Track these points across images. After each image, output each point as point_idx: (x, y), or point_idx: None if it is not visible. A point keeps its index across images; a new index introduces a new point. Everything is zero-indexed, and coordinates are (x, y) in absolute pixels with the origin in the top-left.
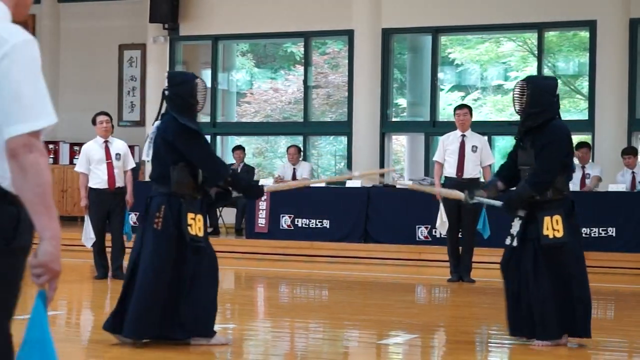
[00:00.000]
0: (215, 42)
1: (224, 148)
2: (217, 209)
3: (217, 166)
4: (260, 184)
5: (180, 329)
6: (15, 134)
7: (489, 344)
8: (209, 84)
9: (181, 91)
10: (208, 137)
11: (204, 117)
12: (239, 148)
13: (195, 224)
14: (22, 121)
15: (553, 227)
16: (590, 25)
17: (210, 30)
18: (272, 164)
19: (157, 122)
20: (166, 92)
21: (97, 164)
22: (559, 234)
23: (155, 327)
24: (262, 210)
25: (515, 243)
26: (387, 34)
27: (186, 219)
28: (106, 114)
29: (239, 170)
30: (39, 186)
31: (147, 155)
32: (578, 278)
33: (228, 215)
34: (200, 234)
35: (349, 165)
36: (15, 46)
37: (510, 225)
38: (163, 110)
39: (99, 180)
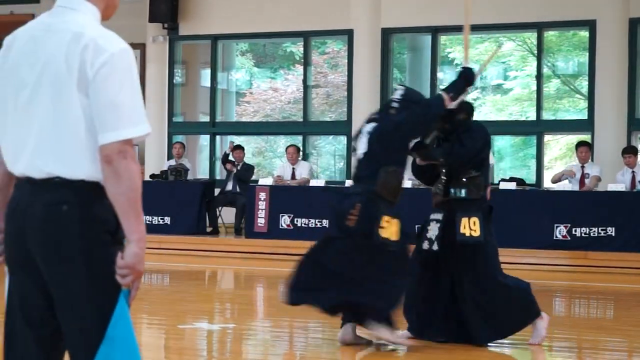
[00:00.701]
0: (215, 42)
1: (223, 148)
2: (217, 209)
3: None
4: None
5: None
6: (110, 140)
7: (500, 344)
8: (208, 84)
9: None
10: (207, 137)
11: (202, 117)
12: (239, 148)
13: (390, 227)
14: (118, 129)
15: (470, 227)
16: (590, 25)
17: (209, 30)
18: (271, 163)
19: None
20: (394, 105)
21: None
22: (476, 234)
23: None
24: (262, 210)
25: (435, 247)
26: (387, 34)
27: (380, 220)
28: None
29: (238, 169)
30: (132, 191)
31: (363, 149)
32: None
33: (227, 215)
34: (394, 238)
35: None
36: (114, 55)
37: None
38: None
39: None
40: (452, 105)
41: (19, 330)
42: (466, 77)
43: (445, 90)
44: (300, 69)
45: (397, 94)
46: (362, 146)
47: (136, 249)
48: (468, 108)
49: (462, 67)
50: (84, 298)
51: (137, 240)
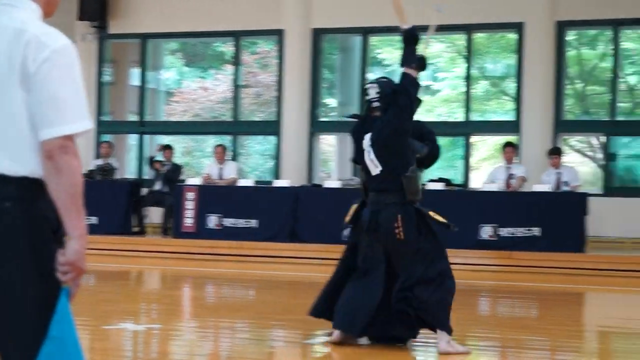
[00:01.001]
0: (145, 41)
1: (152, 147)
2: (144, 208)
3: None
4: None
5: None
6: (51, 136)
7: (413, 343)
8: (137, 83)
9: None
10: (135, 136)
11: (131, 116)
12: (167, 147)
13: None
14: (59, 124)
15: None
16: (518, 28)
17: (139, 29)
18: (200, 163)
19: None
20: (375, 104)
21: None
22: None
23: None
24: (190, 209)
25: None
26: (317, 34)
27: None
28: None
29: (165, 169)
30: (72, 186)
31: (377, 168)
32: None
33: (155, 215)
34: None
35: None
36: (55, 51)
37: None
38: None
39: None
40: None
41: None
42: (410, 38)
43: (406, 64)
44: (230, 68)
45: (373, 92)
46: (374, 164)
47: (77, 245)
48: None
49: (402, 31)
50: (25, 296)
51: (78, 236)
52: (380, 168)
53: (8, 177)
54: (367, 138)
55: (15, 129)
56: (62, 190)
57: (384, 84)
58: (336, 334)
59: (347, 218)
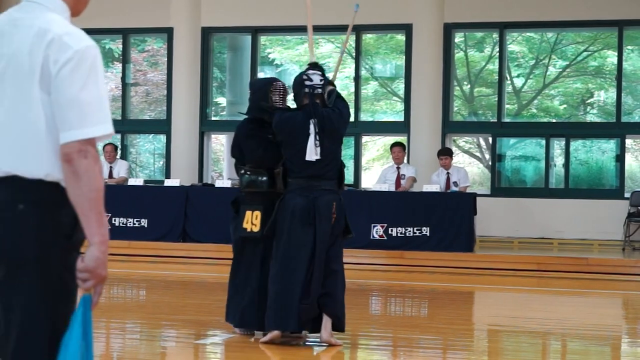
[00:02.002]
0: None
1: None
2: None
3: None
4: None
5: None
6: (71, 139)
7: (307, 343)
8: None
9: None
10: None
11: None
12: None
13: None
14: (79, 127)
15: (252, 221)
16: (406, 29)
17: None
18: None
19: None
20: (319, 91)
21: None
22: (256, 228)
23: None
24: None
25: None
26: (207, 33)
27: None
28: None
29: None
30: (92, 191)
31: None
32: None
33: None
34: None
35: (168, 168)
36: (78, 52)
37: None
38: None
39: None
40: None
41: None
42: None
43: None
44: (119, 66)
45: (317, 79)
46: (315, 149)
47: (97, 252)
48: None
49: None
50: (35, 302)
51: (98, 243)
52: (319, 156)
53: (23, 179)
54: (312, 123)
55: (32, 131)
56: (81, 195)
57: (322, 70)
58: (271, 334)
59: (256, 227)
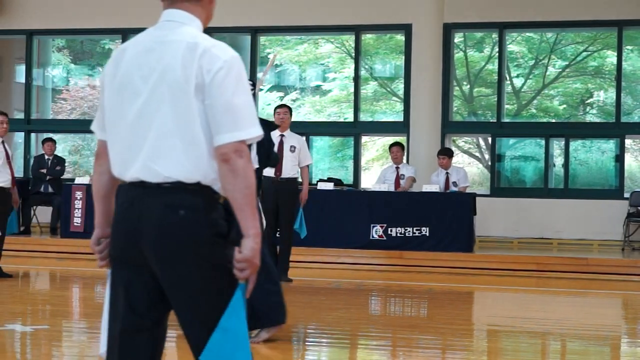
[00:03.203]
0: (30, 37)
1: (38, 145)
2: (32, 208)
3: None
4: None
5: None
6: (228, 141)
7: (306, 343)
8: (23, 80)
9: None
10: (22, 134)
11: (17, 114)
12: (49, 140)
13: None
14: (234, 130)
15: None
16: (406, 29)
17: (24, 25)
18: (88, 162)
19: None
20: None
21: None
22: None
23: None
24: (78, 209)
25: None
26: (207, 33)
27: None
28: (4, 114)
29: (49, 164)
30: (247, 188)
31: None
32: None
33: (43, 215)
34: None
35: None
36: (227, 62)
37: None
38: None
39: None
40: None
41: (124, 319)
42: None
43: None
44: None
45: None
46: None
47: (253, 243)
48: None
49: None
50: (197, 296)
51: (253, 235)
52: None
53: (182, 184)
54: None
55: (191, 137)
56: (238, 191)
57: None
58: (268, 331)
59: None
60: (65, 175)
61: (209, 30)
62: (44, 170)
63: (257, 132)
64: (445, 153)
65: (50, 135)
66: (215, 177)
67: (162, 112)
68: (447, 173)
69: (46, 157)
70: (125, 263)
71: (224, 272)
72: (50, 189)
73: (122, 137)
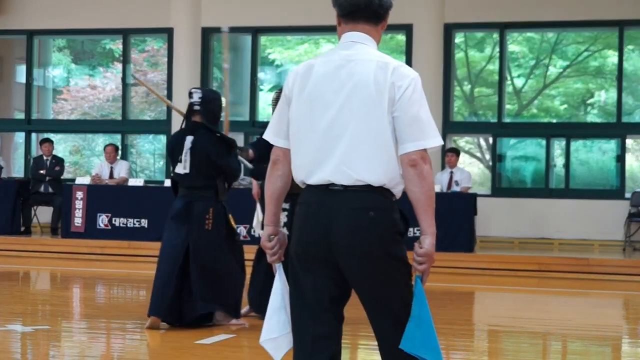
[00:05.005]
0: (31, 37)
1: (38, 145)
2: (32, 208)
3: (238, 170)
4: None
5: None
6: (416, 148)
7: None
8: (23, 80)
9: (214, 107)
10: (22, 135)
11: (18, 114)
12: (47, 141)
13: (233, 222)
14: (421, 139)
15: None
16: (406, 29)
17: (25, 25)
18: (89, 162)
19: (190, 137)
20: (197, 107)
21: None
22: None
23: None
24: (79, 209)
25: (286, 232)
26: (207, 33)
27: (230, 218)
28: None
29: (48, 164)
30: (430, 190)
31: (183, 167)
32: None
33: (43, 215)
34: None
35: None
36: (413, 79)
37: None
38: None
39: None
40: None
41: (310, 312)
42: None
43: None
44: (119, 66)
45: (197, 97)
46: (186, 164)
47: (432, 240)
48: None
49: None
50: (384, 288)
51: (432, 233)
52: (188, 170)
53: (371, 187)
54: (189, 140)
55: (381, 144)
56: (423, 194)
57: (207, 92)
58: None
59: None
60: (66, 175)
61: (208, 31)
62: (43, 171)
63: (440, 141)
64: (454, 151)
65: (49, 135)
66: (397, 181)
67: (354, 121)
68: (451, 172)
69: (45, 157)
70: (311, 259)
71: (404, 266)
72: (50, 189)
73: (312, 145)
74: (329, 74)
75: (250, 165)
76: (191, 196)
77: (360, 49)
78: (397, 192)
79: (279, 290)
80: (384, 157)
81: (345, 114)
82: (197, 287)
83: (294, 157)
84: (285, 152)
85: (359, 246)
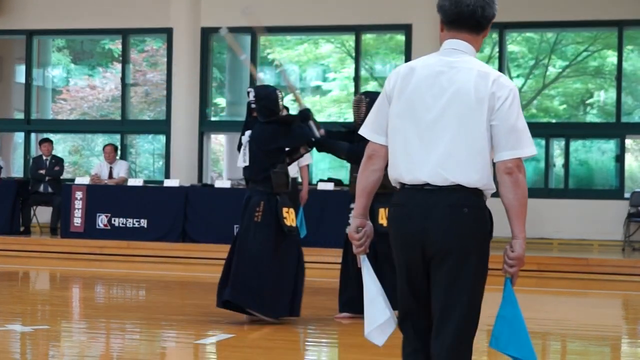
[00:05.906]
0: (30, 37)
1: (38, 145)
2: (32, 208)
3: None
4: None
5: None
6: (512, 157)
7: (306, 343)
8: (22, 80)
9: (267, 102)
10: (22, 135)
11: (17, 114)
12: (47, 141)
13: (289, 216)
14: (517, 148)
15: (386, 217)
16: (406, 29)
17: (24, 25)
18: (88, 162)
19: (248, 131)
20: (253, 106)
21: None
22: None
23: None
24: (78, 209)
25: None
26: (206, 33)
27: (282, 212)
28: None
29: (47, 164)
30: (524, 197)
31: (243, 161)
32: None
33: (43, 215)
34: (295, 224)
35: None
36: (512, 90)
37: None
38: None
39: None
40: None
41: (414, 306)
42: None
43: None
44: (118, 66)
45: (251, 96)
46: (245, 157)
47: (523, 244)
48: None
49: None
50: (470, 283)
51: (523, 238)
52: (247, 163)
53: (465, 188)
54: (247, 134)
55: (477, 149)
56: (517, 200)
57: (259, 89)
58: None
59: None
60: (66, 175)
61: (208, 31)
62: (43, 171)
63: (534, 151)
64: None
65: (48, 135)
66: (490, 186)
67: (453, 127)
68: None
69: (44, 157)
70: (408, 253)
71: (487, 264)
72: (49, 189)
73: (409, 145)
74: (430, 78)
75: (317, 135)
76: (250, 190)
77: (461, 57)
78: (488, 194)
79: (370, 281)
80: (479, 162)
81: (444, 119)
82: (233, 274)
83: (391, 154)
84: (382, 148)
85: (454, 241)
